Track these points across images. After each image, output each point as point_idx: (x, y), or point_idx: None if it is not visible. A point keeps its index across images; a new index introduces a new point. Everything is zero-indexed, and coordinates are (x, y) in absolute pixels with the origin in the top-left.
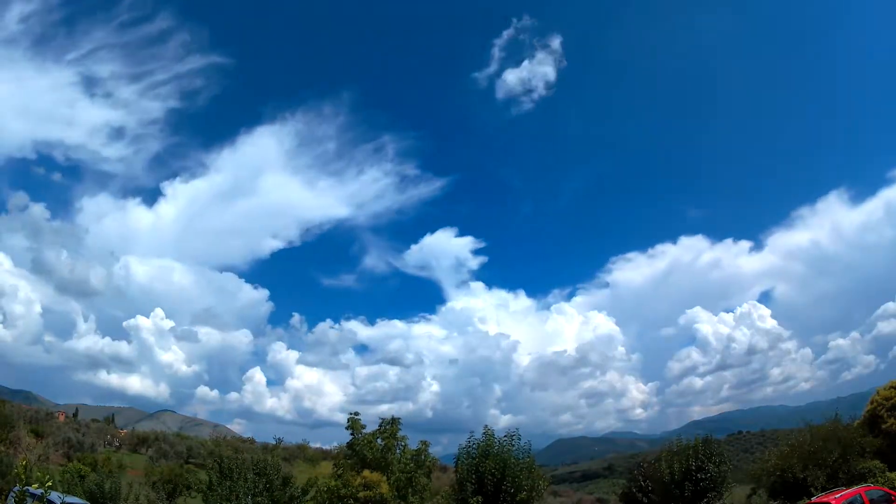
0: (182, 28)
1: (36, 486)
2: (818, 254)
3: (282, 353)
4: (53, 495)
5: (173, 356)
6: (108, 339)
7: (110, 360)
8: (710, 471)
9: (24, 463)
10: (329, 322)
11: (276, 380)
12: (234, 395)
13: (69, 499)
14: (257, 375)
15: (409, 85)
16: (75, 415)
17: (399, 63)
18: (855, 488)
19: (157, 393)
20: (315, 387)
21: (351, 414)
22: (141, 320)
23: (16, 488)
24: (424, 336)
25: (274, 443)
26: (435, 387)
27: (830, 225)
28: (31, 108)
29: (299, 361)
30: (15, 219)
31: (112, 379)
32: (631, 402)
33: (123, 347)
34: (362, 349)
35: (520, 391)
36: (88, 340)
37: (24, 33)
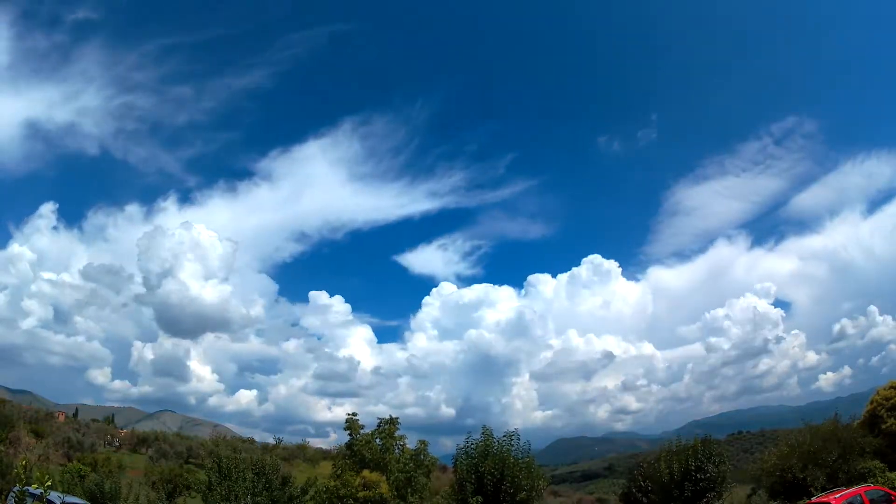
0: (265, 25)
1: (36, 486)
2: (834, 258)
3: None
4: (53, 495)
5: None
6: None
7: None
8: (709, 471)
9: (24, 463)
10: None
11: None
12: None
13: (69, 499)
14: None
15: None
16: (75, 415)
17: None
18: (855, 488)
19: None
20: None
21: (349, 415)
22: None
23: (16, 488)
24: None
25: (273, 443)
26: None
27: (849, 231)
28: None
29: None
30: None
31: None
32: (633, 401)
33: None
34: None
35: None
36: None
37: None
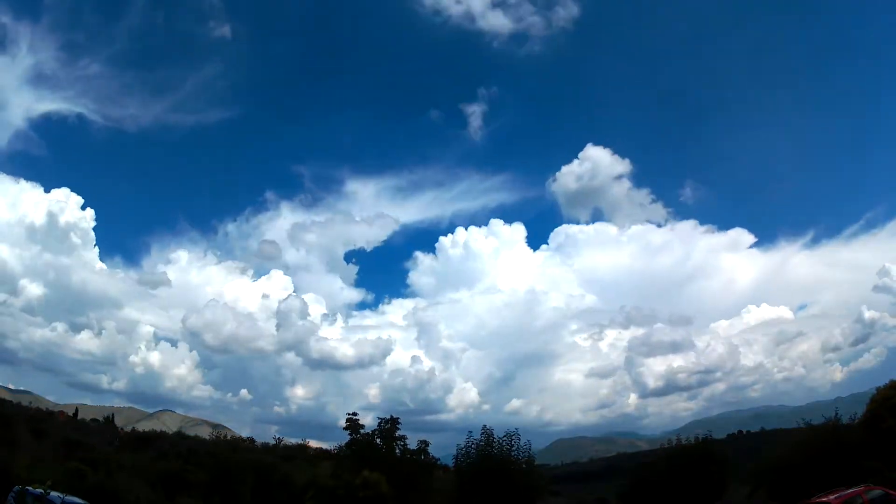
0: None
1: (36, 486)
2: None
3: None
4: (53, 495)
5: None
6: None
7: None
8: (710, 471)
9: (24, 463)
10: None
11: None
12: None
13: (69, 499)
14: None
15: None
16: (75, 415)
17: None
18: (855, 488)
19: None
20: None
21: (349, 414)
22: None
23: (16, 488)
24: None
25: (273, 442)
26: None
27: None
28: None
29: None
30: None
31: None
32: (633, 401)
33: None
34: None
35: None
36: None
37: None
